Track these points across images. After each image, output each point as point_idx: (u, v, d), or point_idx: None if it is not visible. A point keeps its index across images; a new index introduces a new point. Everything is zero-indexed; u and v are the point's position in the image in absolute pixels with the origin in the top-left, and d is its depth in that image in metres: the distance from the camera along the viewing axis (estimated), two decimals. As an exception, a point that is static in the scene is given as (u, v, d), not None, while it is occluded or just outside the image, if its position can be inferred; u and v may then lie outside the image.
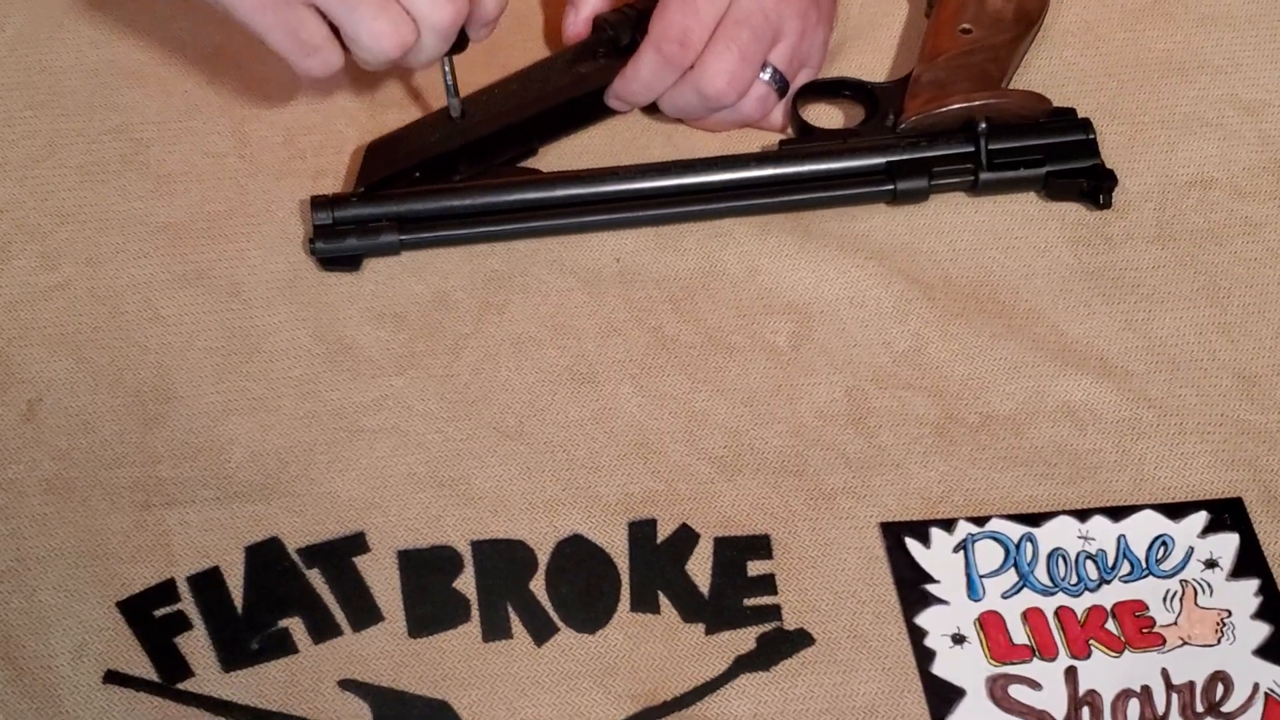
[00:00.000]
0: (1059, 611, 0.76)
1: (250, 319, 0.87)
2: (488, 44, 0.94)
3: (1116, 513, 0.79)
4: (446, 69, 0.88)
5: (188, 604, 0.77)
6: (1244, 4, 0.99)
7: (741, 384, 0.85)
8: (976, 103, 0.90)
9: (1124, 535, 0.78)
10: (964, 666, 0.75)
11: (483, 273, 0.89)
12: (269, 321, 0.87)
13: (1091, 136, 0.91)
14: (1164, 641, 0.75)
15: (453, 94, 0.90)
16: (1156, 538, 0.78)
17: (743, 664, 0.75)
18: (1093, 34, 0.98)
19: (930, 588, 0.77)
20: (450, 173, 0.91)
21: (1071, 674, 0.74)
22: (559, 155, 0.93)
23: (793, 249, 0.89)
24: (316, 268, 0.88)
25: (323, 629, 0.76)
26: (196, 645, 0.76)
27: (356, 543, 0.79)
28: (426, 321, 0.87)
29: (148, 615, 0.76)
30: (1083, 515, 0.79)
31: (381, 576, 0.78)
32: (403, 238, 0.88)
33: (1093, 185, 0.89)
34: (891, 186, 0.89)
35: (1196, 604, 0.76)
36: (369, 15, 0.79)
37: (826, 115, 0.95)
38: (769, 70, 0.91)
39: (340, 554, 0.78)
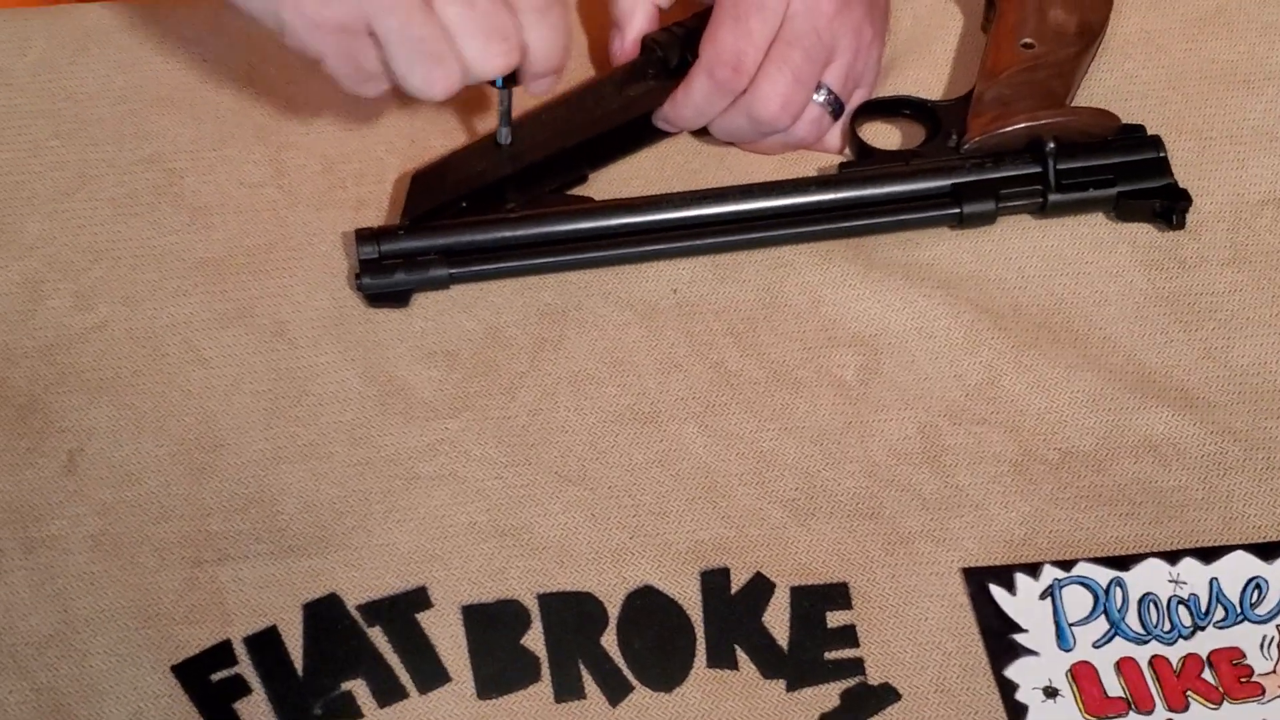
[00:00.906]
0: (1153, 661, 0.73)
1: (297, 360, 0.83)
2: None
3: (1207, 554, 0.76)
4: (503, 98, 0.84)
5: (245, 666, 0.73)
6: (1309, 11, 0.95)
7: (810, 421, 0.81)
8: (1043, 121, 0.87)
9: (1216, 578, 0.75)
10: (1056, 720, 0.71)
11: (536, 307, 0.85)
12: (316, 362, 0.83)
13: (1163, 154, 0.87)
14: (1263, 691, 0.72)
15: (505, 122, 0.86)
16: (1250, 580, 0.75)
17: (826, 721, 0.72)
18: (1154, 45, 0.94)
19: (1018, 637, 0.74)
20: (499, 202, 0.87)
21: (1168, 726, 0.71)
22: (609, 181, 0.90)
23: (856, 278, 0.85)
24: (363, 304, 0.85)
25: (388, 692, 0.73)
26: (256, 710, 0.72)
27: (418, 598, 0.75)
28: (480, 359, 0.83)
29: (204, 679, 0.73)
30: (1173, 557, 0.76)
31: (446, 634, 0.74)
32: (452, 271, 0.84)
33: (1166, 206, 0.86)
34: (958, 210, 0.86)
35: (1293, 649, 0.73)
36: (424, 62, 0.76)
37: (885, 135, 0.91)
38: (823, 91, 0.87)
39: (402, 610, 0.75)
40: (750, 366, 0.83)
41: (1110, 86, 0.93)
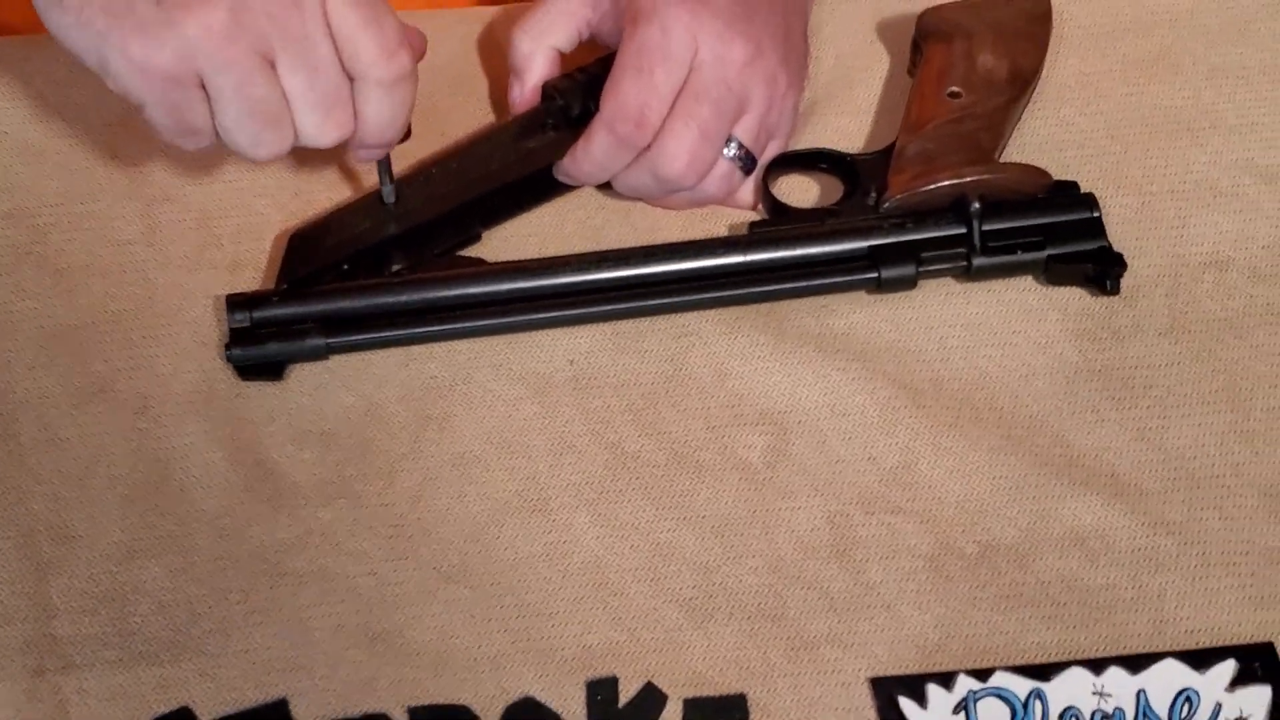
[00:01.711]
0: (1074, 784, 0.67)
1: (159, 440, 0.76)
2: (424, 109, 0.83)
3: (1135, 663, 0.70)
4: (380, 159, 0.77)
5: (86, 789, 0.67)
6: (1257, 53, 0.89)
7: (711, 510, 0.74)
8: (968, 179, 0.80)
9: (1144, 690, 0.69)
10: None
11: (420, 380, 0.78)
12: (180, 443, 0.76)
13: (1096, 215, 0.80)
14: (1192, 819, 0.66)
15: (388, 180, 0.79)
16: (1180, 693, 0.69)
17: None
18: (1092, 89, 0.88)
19: (928, 757, 0.67)
20: (384, 265, 0.80)
21: None
22: (505, 239, 0.83)
23: (765, 349, 0.79)
24: (234, 377, 0.78)
25: (239, 819, 0.66)
26: (96, 840, 0.66)
27: (278, 712, 0.69)
28: (358, 440, 0.76)
29: (40, 805, 0.66)
30: (1097, 666, 0.69)
31: (307, 753, 0.68)
32: (330, 341, 0.78)
33: (1099, 271, 0.79)
34: (875, 274, 0.79)
35: (1226, 769, 0.67)
36: (255, 124, 0.69)
37: (801, 189, 0.85)
38: (733, 145, 0.80)
39: (260, 726, 0.68)
40: (649, 448, 0.76)
41: (1045, 135, 0.86)
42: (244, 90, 0.68)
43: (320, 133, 0.71)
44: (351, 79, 0.70)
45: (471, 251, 0.82)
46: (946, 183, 0.80)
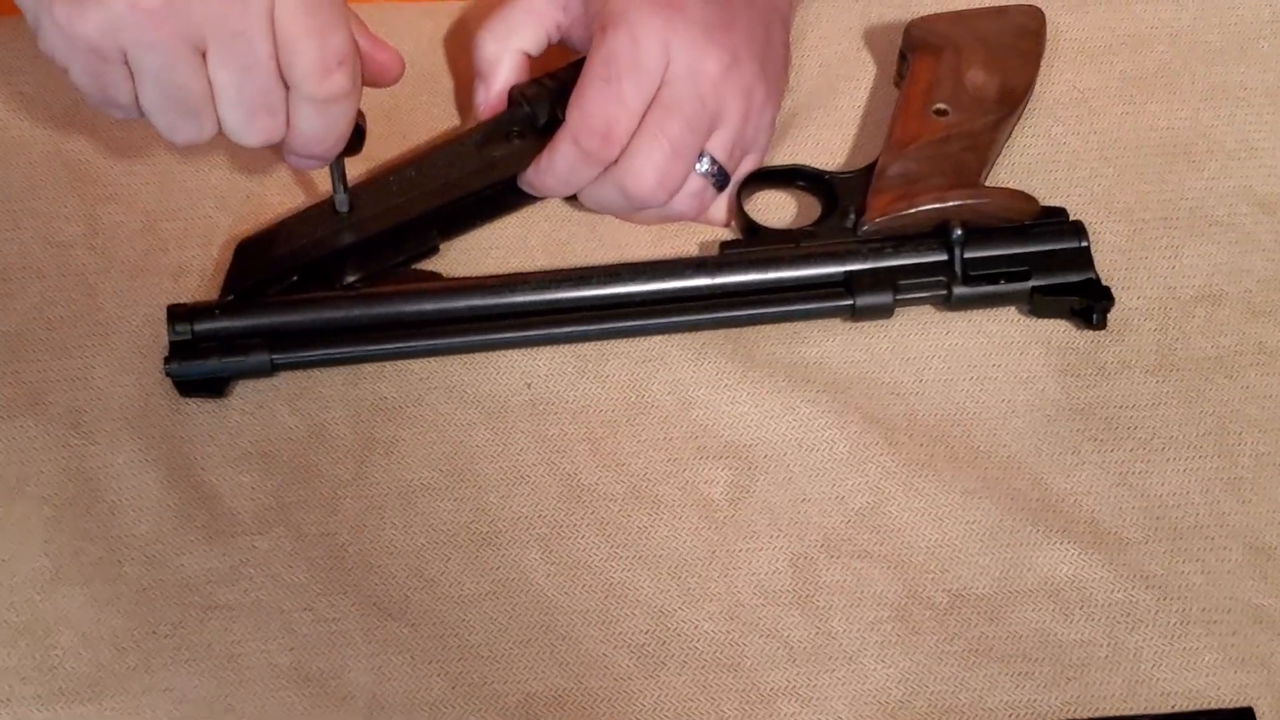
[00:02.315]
0: None
1: (91, 458, 0.72)
2: (386, 109, 0.79)
3: (1107, 727, 0.66)
4: (334, 163, 0.73)
5: (-4, 835, 0.63)
6: (1259, 74, 0.84)
7: (669, 549, 0.70)
8: (952, 203, 0.75)
9: (1116, 758, 0.65)
10: None
11: (369, 401, 0.74)
12: (113, 462, 0.72)
13: (1085, 244, 0.76)
14: None
15: (341, 188, 0.74)
16: (1154, 761, 0.65)
17: None
18: (1086, 106, 0.83)
19: (885, 825, 0.63)
20: (336, 277, 0.76)
21: None
22: (465, 251, 0.78)
23: (733, 378, 0.75)
24: (174, 392, 0.73)
25: None
26: None
27: (203, 757, 0.65)
28: (300, 463, 0.72)
29: None
30: (1068, 730, 0.66)
31: (231, 801, 0.64)
32: (275, 357, 0.73)
33: (1085, 305, 0.75)
34: (850, 301, 0.75)
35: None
36: (175, 111, 0.65)
37: (777, 205, 0.80)
38: (706, 161, 0.76)
39: (183, 771, 0.64)
40: (607, 480, 0.72)
41: (1034, 154, 0.82)
42: (166, 75, 0.64)
43: (244, 132, 0.66)
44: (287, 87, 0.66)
45: (430, 264, 0.78)
46: (928, 207, 0.75)
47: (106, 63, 0.64)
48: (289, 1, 0.65)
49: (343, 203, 0.75)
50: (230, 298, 0.74)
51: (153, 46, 0.63)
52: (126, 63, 0.64)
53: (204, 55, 0.64)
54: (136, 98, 0.65)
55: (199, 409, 0.73)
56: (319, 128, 0.68)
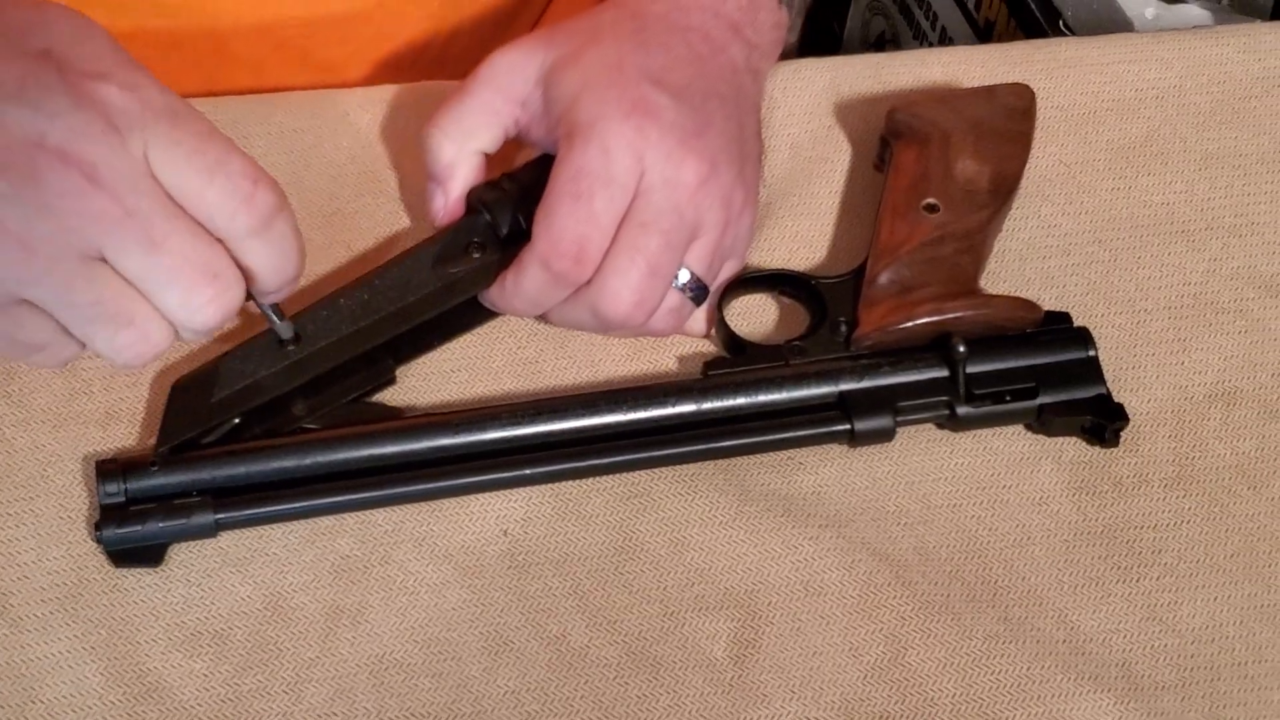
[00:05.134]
0: None
1: (21, 649, 0.61)
2: (326, 214, 0.70)
3: None
4: (263, 301, 0.62)
5: None
6: (1253, 138, 0.76)
7: (673, 720, 0.61)
8: (950, 314, 0.67)
9: None
10: None
11: (330, 560, 0.64)
12: (47, 652, 0.61)
13: (1093, 354, 0.68)
14: None
15: (277, 319, 0.64)
16: None
17: None
18: (1075, 183, 0.75)
19: None
20: (283, 416, 0.65)
21: None
22: (423, 377, 0.68)
23: (727, 514, 0.66)
24: (108, 564, 0.63)
25: None
26: None
27: None
28: (257, 642, 0.62)
29: None
30: None
31: None
32: (220, 516, 0.63)
33: (1096, 423, 0.67)
34: (848, 427, 0.66)
35: None
36: (105, 328, 0.55)
37: (759, 308, 0.71)
38: (684, 274, 0.66)
39: None
40: (599, 642, 0.63)
41: (1026, 240, 0.73)
42: (68, 297, 0.54)
43: (191, 311, 0.56)
44: (221, 240, 0.56)
45: (386, 395, 0.68)
46: (926, 319, 0.67)
47: (5, 312, 0.54)
48: (164, 155, 0.55)
49: (286, 330, 0.64)
50: (166, 450, 0.64)
51: (35, 280, 0.53)
52: (27, 303, 0.54)
53: (95, 261, 0.54)
54: (59, 330, 0.55)
55: (138, 582, 0.63)
56: (273, 256, 0.58)
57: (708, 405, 0.66)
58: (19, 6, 0.56)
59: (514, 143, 0.69)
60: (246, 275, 0.58)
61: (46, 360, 0.57)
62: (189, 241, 0.55)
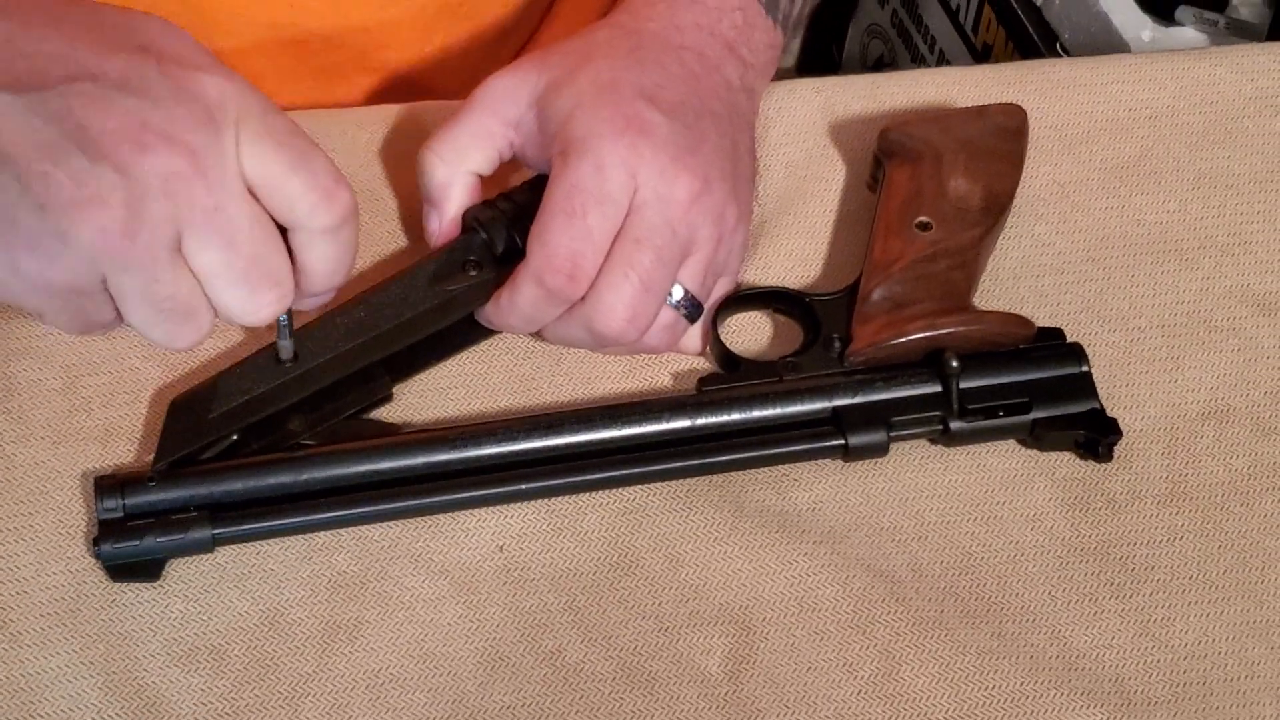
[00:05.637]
0: None
1: (20, 664, 0.61)
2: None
3: None
4: (282, 317, 0.62)
5: None
6: (1246, 157, 0.76)
7: (667, 736, 0.61)
8: (943, 330, 0.67)
9: None
10: None
11: (327, 576, 0.64)
12: (46, 667, 0.61)
13: (1086, 369, 0.68)
14: None
15: (285, 337, 0.64)
16: None
17: None
18: (1069, 201, 0.75)
19: None
20: (281, 432, 0.66)
21: None
22: (420, 394, 0.68)
23: (722, 530, 0.66)
24: (106, 579, 0.63)
25: None
26: None
27: None
28: (255, 657, 0.62)
29: None
30: None
31: None
32: (217, 531, 0.63)
33: (1089, 438, 0.67)
34: (842, 442, 0.66)
35: None
36: (169, 320, 0.57)
37: (753, 325, 0.71)
38: (678, 291, 0.66)
39: None
40: (594, 658, 0.63)
41: (1019, 258, 0.73)
42: (152, 289, 0.55)
43: (249, 310, 0.58)
44: (286, 230, 0.58)
45: (384, 411, 0.68)
46: (920, 335, 0.67)
47: (86, 296, 0.56)
48: (255, 148, 0.56)
49: (287, 350, 0.65)
50: (163, 465, 0.64)
51: (129, 266, 0.55)
52: (106, 288, 0.56)
53: (179, 248, 0.55)
54: (118, 311, 0.57)
55: (137, 597, 0.63)
56: (334, 258, 0.60)
57: (702, 421, 0.66)
58: (112, 10, 0.57)
59: (510, 165, 0.69)
60: (299, 273, 0.59)
61: (94, 332, 0.58)
62: (264, 245, 0.56)
